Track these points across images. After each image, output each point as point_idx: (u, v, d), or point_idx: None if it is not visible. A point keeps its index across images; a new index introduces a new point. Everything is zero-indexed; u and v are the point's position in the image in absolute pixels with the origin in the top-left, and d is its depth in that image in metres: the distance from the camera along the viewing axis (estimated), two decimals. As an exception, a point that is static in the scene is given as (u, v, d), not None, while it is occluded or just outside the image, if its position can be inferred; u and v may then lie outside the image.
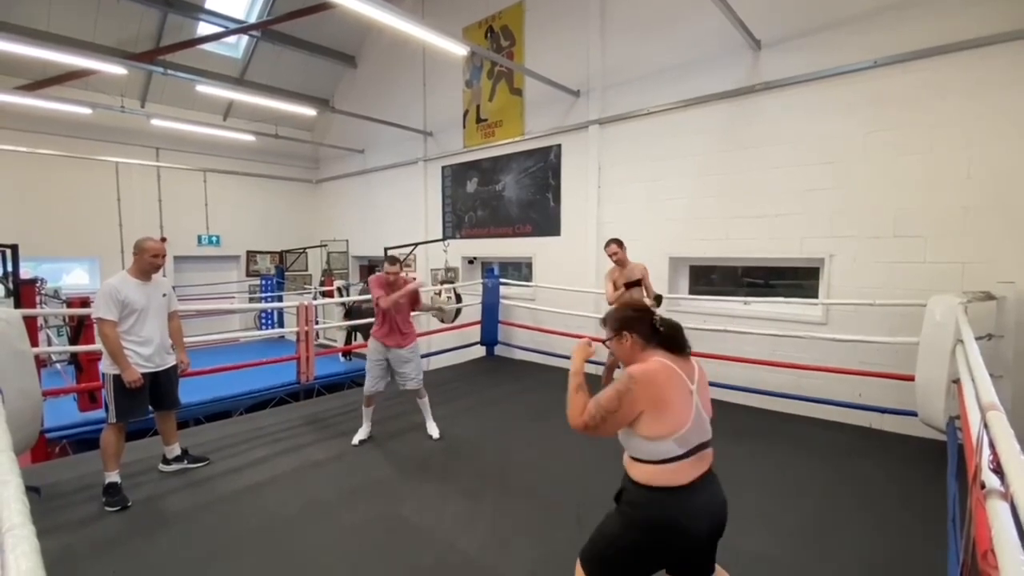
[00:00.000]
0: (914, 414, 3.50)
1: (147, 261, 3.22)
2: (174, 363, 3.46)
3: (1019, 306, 3.47)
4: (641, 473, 1.56)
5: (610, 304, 4.74)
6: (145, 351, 3.23)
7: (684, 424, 1.52)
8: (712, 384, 5.49)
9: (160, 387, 3.35)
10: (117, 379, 3.12)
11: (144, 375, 3.18)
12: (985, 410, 1.41)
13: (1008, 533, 0.97)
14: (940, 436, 3.51)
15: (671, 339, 1.64)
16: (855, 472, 3.58)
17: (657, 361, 1.59)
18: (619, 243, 4.56)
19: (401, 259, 4.36)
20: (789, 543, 2.71)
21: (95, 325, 3.15)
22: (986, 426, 1.34)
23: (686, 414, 1.53)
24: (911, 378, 3.47)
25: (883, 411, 4.27)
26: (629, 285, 4.59)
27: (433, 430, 4.24)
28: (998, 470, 1.16)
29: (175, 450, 3.62)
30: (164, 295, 3.37)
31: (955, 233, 4.12)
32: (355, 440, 4.14)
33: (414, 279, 4.30)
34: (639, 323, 1.67)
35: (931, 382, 3.20)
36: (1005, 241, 3.90)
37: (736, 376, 5.13)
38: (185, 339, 3.77)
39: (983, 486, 1.22)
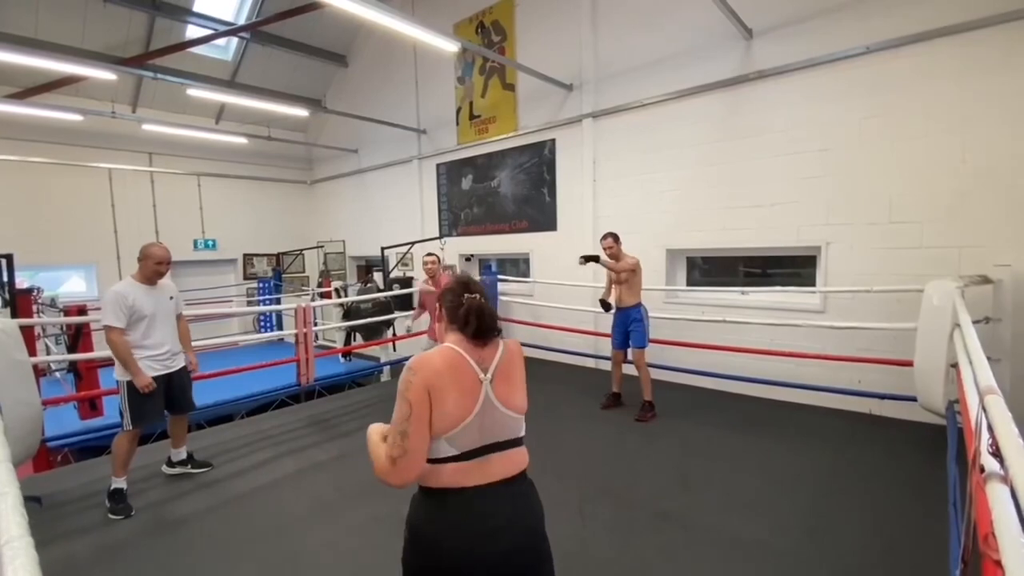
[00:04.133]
0: (913, 399, 3.51)
1: (151, 268, 3.21)
2: (184, 364, 3.47)
3: (1016, 289, 3.47)
4: (424, 476, 1.31)
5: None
6: (157, 354, 3.24)
7: (458, 421, 1.29)
8: (711, 374, 5.53)
9: (174, 389, 3.36)
10: (130, 385, 3.12)
11: (157, 378, 3.19)
12: (983, 394, 1.41)
13: (1008, 516, 0.97)
14: (940, 420, 3.52)
15: (464, 320, 1.39)
16: (856, 458, 3.60)
17: (441, 347, 1.38)
18: (614, 237, 4.55)
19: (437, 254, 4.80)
20: (791, 530, 2.72)
21: (104, 332, 3.11)
22: (984, 410, 1.34)
23: (463, 410, 1.30)
24: (910, 363, 3.48)
25: (882, 397, 4.28)
26: (620, 282, 4.59)
27: None
28: (997, 454, 1.16)
29: (181, 453, 3.63)
30: (171, 298, 3.37)
31: (951, 217, 4.12)
32: None
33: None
34: (449, 294, 1.46)
35: (930, 367, 3.21)
36: (1001, 224, 3.90)
37: (735, 366, 5.14)
38: (185, 343, 3.75)
39: (982, 470, 1.22)
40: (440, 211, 8.94)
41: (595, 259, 4.46)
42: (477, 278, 4.92)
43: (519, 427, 1.43)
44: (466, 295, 1.43)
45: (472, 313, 1.39)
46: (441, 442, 1.29)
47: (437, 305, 1.50)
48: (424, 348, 4.48)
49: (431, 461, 1.30)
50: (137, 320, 3.13)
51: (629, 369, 4.72)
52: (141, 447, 3.96)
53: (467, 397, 1.32)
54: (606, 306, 4.69)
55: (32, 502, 3.14)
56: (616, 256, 4.56)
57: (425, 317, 4.58)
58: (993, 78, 3.89)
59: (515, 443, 1.41)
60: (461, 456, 1.30)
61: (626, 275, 4.54)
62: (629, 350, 4.62)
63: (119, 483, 3.14)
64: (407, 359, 4.87)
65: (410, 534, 1.34)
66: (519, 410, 1.41)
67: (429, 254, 4.49)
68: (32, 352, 4.07)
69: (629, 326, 4.57)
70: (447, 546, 1.27)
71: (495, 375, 1.37)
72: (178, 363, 3.40)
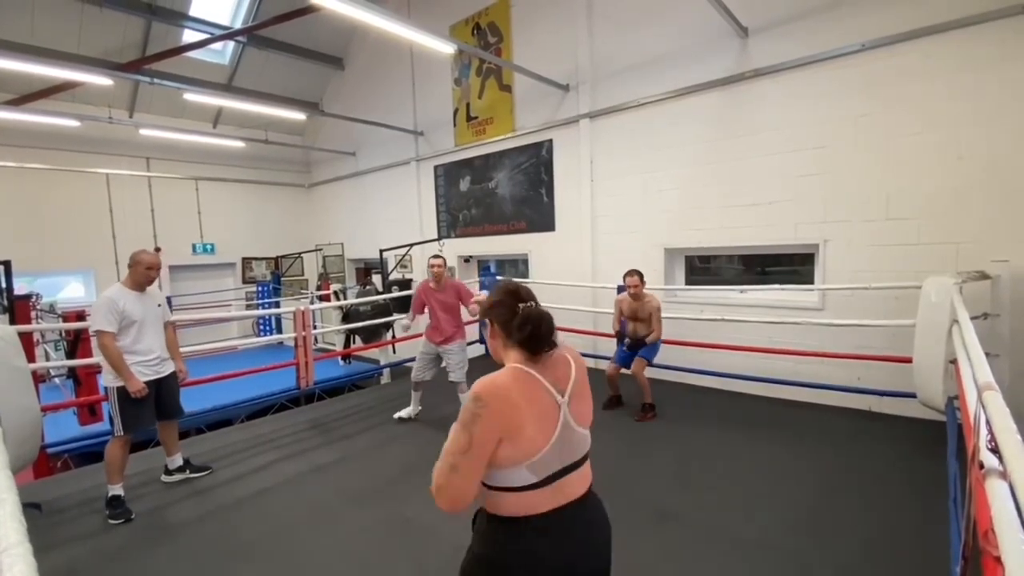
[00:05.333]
0: (913, 396, 3.52)
1: (141, 274, 3.22)
2: (173, 370, 3.47)
3: (1014, 284, 3.48)
4: (492, 502, 1.25)
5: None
6: (147, 359, 3.24)
7: (539, 448, 1.20)
8: (711, 373, 5.51)
9: (162, 396, 3.36)
10: (120, 391, 3.11)
11: (147, 383, 3.18)
12: (982, 390, 1.42)
13: (1007, 512, 0.97)
14: (939, 417, 3.52)
15: (530, 335, 1.28)
16: (856, 455, 3.60)
17: (510, 370, 1.26)
18: (640, 276, 4.49)
19: (442, 256, 4.58)
20: (791, 528, 2.72)
21: (95, 338, 3.15)
22: (983, 406, 1.34)
23: (544, 436, 1.21)
24: (909, 360, 3.48)
25: (882, 394, 4.29)
26: (638, 320, 4.56)
27: None
28: (996, 450, 1.16)
29: (177, 460, 3.62)
30: (159, 305, 3.37)
31: (948, 214, 4.12)
32: (396, 416, 4.66)
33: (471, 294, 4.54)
34: (500, 308, 1.33)
35: (929, 363, 3.21)
36: (998, 220, 3.91)
37: (734, 364, 5.14)
38: (184, 348, 3.78)
39: (982, 466, 1.23)
40: (438, 213, 8.94)
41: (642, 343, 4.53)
42: (476, 279, 4.90)
43: (589, 442, 1.34)
44: (520, 304, 1.31)
45: (529, 323, 1.28)
46: (521, 470, 1.19)
47: (488, 323, 1.37)
48: (422, 351, 4.54)
49: (506, 490, 1.21)
50: (127, 326, 3.14)
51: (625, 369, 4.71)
52: (139, 452, 3.96)
53: (546, 423, 1.22)
54: (623, 337, 4.68)
55: (32, 508, 3.13)
56: (639, 295, 4.49)
57: (422, 318, 4.54)
58: (990, 73, 3.89)
59: (586, 459, 1.33)
60: (540, 483, 1.21)
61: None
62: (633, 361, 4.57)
63: (115, 490, 3.14)
64: (407, 361, 4.80)
65: (482, 566, 1.26)
66: (588, 425, 1.33)
67: (436, 256, 4.43)
68: (31, 358, 4.07)
69: (642, 345, 4.55)
70: (531, 563, 1.21)
71: (572, 396, 1.29)
72: (167, 369, 3.40)
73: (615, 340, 4.81)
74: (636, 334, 4.60)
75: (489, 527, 1.26)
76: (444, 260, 4.44)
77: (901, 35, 4.20)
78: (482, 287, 7.28)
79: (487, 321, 1.38)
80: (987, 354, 1.88)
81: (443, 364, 4.49)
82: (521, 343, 1.28)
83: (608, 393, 4.79)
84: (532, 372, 1.26)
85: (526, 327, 1.27)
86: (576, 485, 1.28)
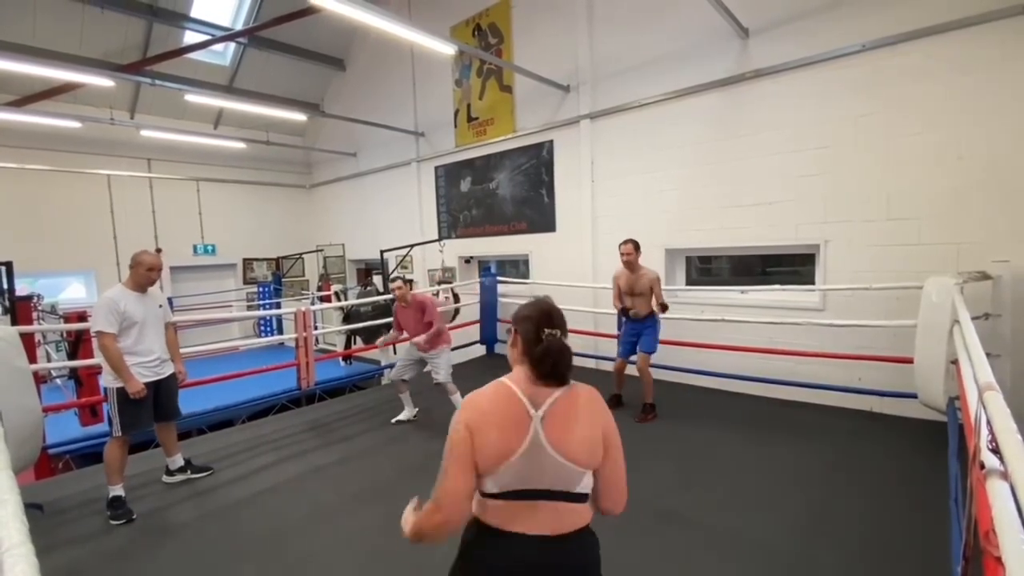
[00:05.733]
0: (914, 396, 3.52)
1: (142, 275, 3.22)
2: (173, 372, 3.47)
3: (1015, 284, 3.48)
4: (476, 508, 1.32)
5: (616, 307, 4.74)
6: (147, 360, 3.24)
7: (501, 459, 1.23)
8: (711, 374, 5.50)
9: (161, 397, 3.36)
10: (119, 392, 3.11)
11: (147, 384, 3.19)
12: (982, 390, 1.42)
13: (1008, 513, 0.97)
14: (940, 417, 3.52)
15: (539, 359, 1.28)
16: (857, 455, 3.60)
17: (494, 383, 1.32)
18: (635, 245, 4.46)
19: (402, 276, 4.81)
20: (792, 529, 2.72)
21: (95, 339, 3.15)
22: (983, 406, 1.34)
23: (509, 446, 1.23)
24: (910, 360, 3.49)
25: (883, 394, 4.28)
26: (635, 295, 4.54)
27: None
28: (997, 450, 1.16)
29: (178, 461, 3.62)
30: (160, 306, 3.38)
31: (948, 214, 4.12)
32: (394, 421, 4.70)
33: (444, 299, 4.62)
34: (527, 323, 1.34)
35: (930, 364, 3.22)
36: (999, 220, 3.91)
37: (735, 365, 5.14)
38: (184, 349, 3.78)
39: (983, 466, 1.23)
40: (439, 213, 8.95)
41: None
42: (476, 280, 4.90)
43: (577, 480, 1.28)
44: (546, 330, 1.30)
45: (551, 356, 1.28)
46: (487, 479, 1.26)
47: (512, 330, 1.39)
48: (405, 353, 4.58)
49: (481, 495, 1.30)
50: (128, 327, 3.14)
51: (630, 370, 4.71)
52: (140, 453, 3.96)
53: (512, 432, 1.24)
54: (626, 312, 4.65)
55: (34, 509, 3.14)
56: (633, 264, 4.47)
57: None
58: (990, 74, 3.89)
59: (569, 497, 1.28)
60: (500, 495, 1.25)
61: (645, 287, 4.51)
62: (635, 356, 4.58)
63: (116, 491, 3.14)
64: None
65: (459, 549, 1.37)
66: (578, 461, 1.26)
67: (394, 279, 4.57)
68: (32, 359, 4.07)
69: (642, 332, 4.54)
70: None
71: (548, 413, 1.26)
72: (167, 370, 3.40)
73: (616, 338, 4.80)
74: (635, 310, 4.54)
75: (471, 521, 1.35)
76: (403, 279, 4.59)
77: (901, 35, 4.20)
78: (483, 287, 7.30)
79: (512, 328, 1.40)
80: (988, 354, 1.88)
81: (427, 368, 4.59)
82: (535, 366, 1.30)
83: (611, 391, 4.79)
84: (511, 385, 1.30)
85: (547, 357, 1.28)
86: (539, 520, 1.26)
